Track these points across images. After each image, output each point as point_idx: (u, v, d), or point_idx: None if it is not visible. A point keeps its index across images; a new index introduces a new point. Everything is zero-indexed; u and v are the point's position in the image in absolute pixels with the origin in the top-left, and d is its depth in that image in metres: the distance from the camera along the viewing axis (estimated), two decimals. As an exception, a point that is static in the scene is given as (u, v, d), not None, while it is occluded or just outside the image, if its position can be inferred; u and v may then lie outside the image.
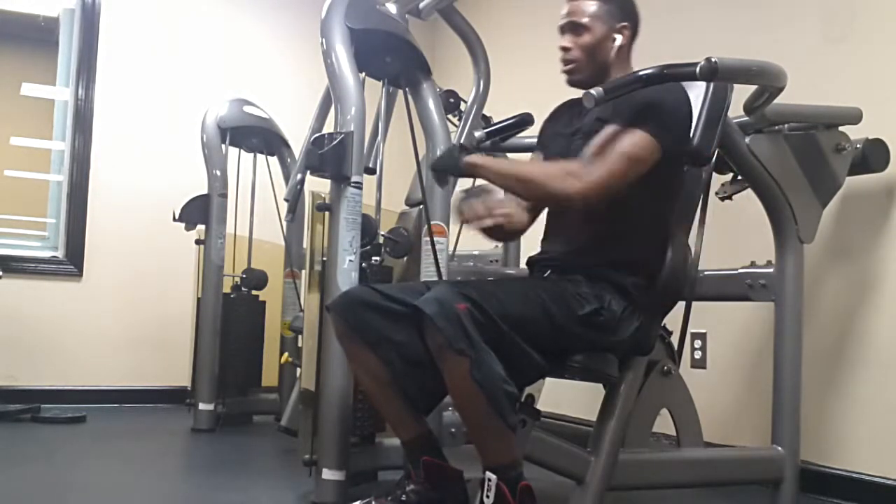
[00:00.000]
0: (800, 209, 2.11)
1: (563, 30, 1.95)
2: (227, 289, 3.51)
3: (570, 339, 1.75)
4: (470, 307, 1.57)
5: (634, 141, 1.73)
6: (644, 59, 1.82)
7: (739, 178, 2.28)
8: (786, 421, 2.07)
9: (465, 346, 1.54)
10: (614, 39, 1.91)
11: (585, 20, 1.91)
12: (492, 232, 1.83)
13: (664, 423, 2.10)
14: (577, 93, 1.84)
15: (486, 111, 3.07)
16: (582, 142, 1.86)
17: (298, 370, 2.89)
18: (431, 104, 2.40)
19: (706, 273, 2.20)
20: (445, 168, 2.07)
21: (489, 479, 1.59)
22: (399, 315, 1.76)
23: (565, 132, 2.00)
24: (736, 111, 2.04)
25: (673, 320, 2.05)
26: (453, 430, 2.31)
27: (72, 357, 3.92)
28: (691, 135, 1.86)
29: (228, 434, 3.27)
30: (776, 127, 2.13)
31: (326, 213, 2.10)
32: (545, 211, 2.03)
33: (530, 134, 2.59)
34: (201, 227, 3.45)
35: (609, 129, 1.76)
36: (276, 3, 4.55)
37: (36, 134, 4.39)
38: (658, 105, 1.77)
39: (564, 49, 1.94)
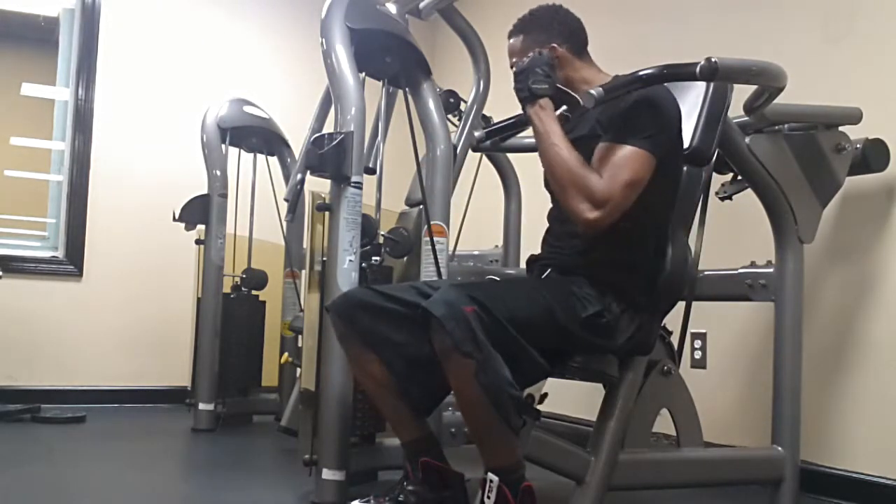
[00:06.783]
0: (800, 209, 2.11)
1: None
2: (227, 289, 3.51)
3: (572, 341, 1.75)
4: (477, 310, 1.57)
5: (635, 166, 1.69)
6: (644, 59, 1.82)
7: (739, 178, 2.28)
8: (786, 421, 2.07)
9: (472, 349, 1.54)
10: None
11: (515, 60, 1.93)
12: None
13: (664, 423, 2.10)
14: None
15: (486, 111, 3.07)
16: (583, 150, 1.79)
17: (298, 370, 2.89)
18: (431, 104, 2.40)
19: (706, 273, 2.21)
20: (530, 76, 1.76)
21: (491, 481, 1.59)
22: (399, 316, 1.76)
23: None
24: (736, 111, 2.04)
25: (673, 320, 2.06)
26: (453, 430, 2.31)
27: (72, 357, 3.92)
28: (691, 135, 1.86)
29: (228, 434, 3.27)
30: (776, 127, 2.13)
31: (326, 213, 2.10)
32: (546, 211, 2.03)
33: (530, 134, 2.59)
34: (201, 227, 3.45)
35: (612, 150, 1.70)
36: (276, 3, 4.55)
37: (36, 134, 4.39)
38: (648, 115, 1.73)
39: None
